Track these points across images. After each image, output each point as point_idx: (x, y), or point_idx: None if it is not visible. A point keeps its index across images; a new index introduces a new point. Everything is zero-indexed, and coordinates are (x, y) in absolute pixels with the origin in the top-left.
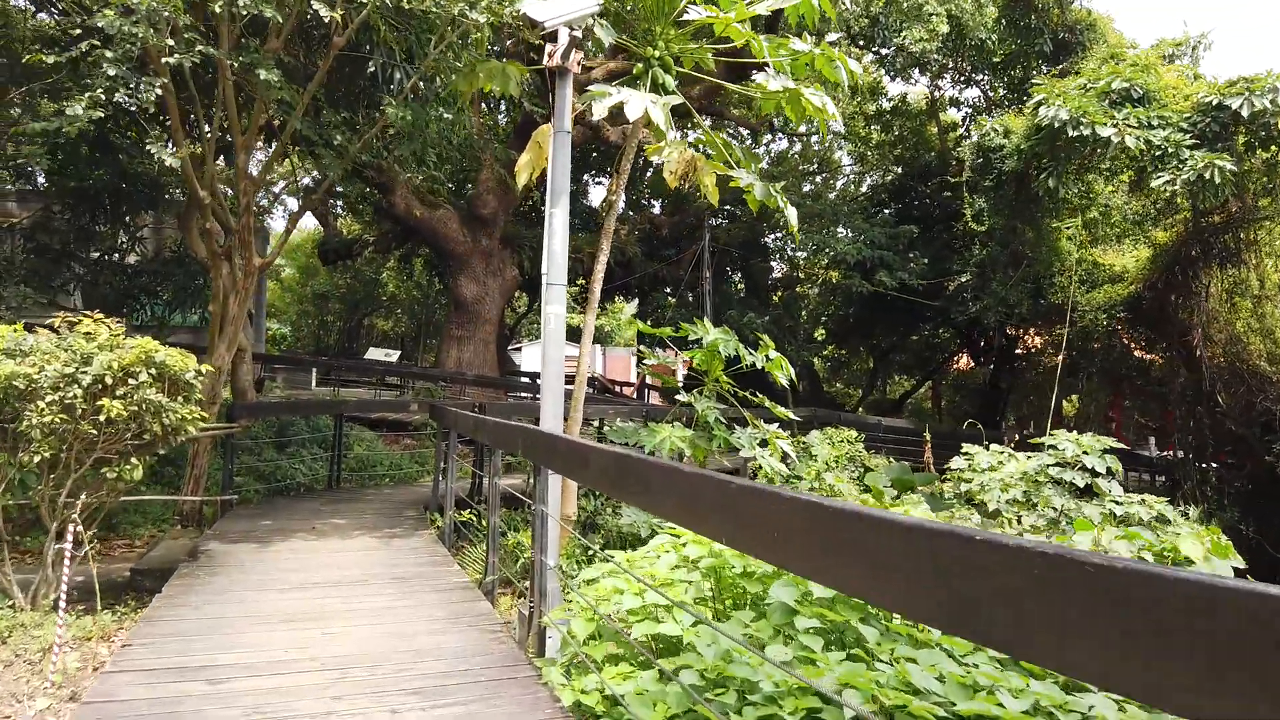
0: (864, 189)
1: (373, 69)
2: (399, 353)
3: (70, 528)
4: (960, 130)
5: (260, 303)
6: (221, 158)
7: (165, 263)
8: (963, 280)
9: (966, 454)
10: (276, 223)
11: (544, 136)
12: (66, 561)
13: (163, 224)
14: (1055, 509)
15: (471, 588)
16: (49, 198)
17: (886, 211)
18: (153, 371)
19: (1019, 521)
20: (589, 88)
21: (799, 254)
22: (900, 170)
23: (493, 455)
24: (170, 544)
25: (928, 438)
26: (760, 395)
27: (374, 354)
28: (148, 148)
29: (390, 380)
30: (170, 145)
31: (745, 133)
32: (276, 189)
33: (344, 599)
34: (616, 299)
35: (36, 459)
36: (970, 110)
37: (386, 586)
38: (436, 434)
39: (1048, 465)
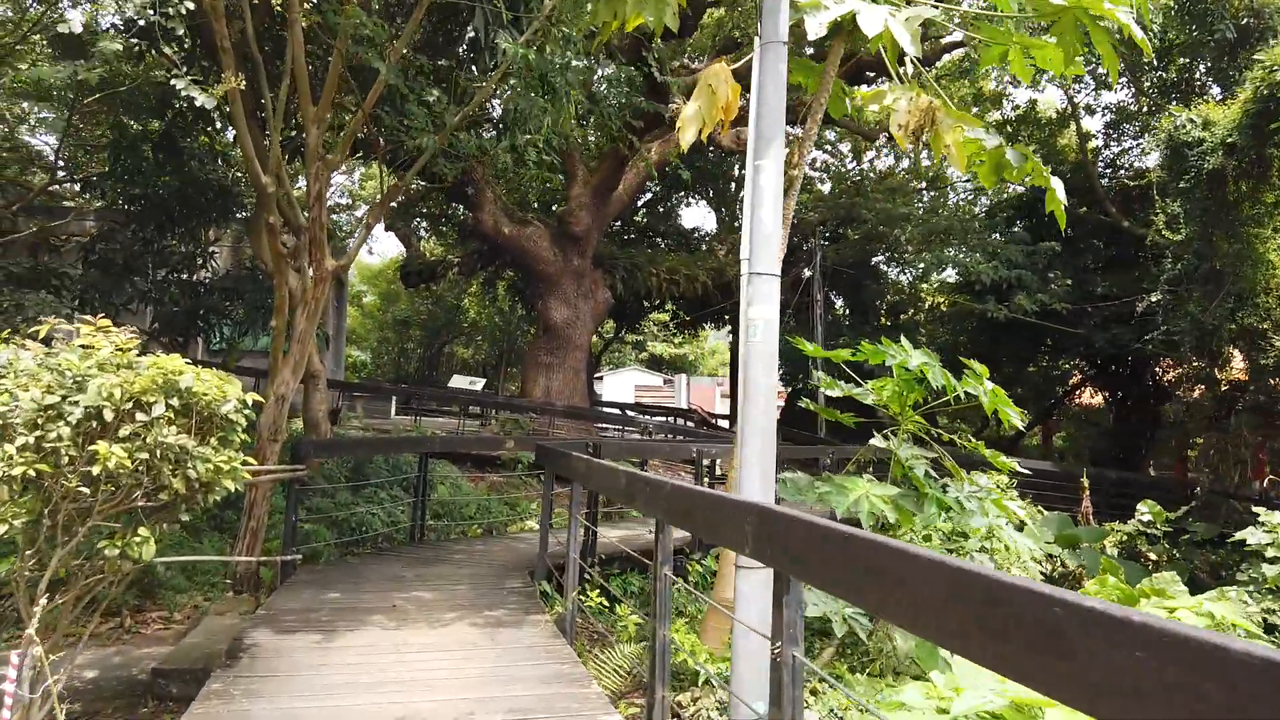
0: (979, 205)
1: (472, 33)
2: (484, 380)
3: (28, 650)
4: (1098, 140)
5: (340, 327)
6: (300, 179)
7: (237, 279)
8: (1153, 300)
9: (1268, 526)
10: (360, 255)
11: (716, 77)
12: (7, 701)
13: (241, 242)
14: None
15: None
16: (113, 208)
17: (1014, 228)
18: (175, 402)
19: None
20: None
21: (906, 275)
22: (1029, 183)
23: (662, 533)
24: (212, 624)
25: (1085, 484)
26: (974, 440)
27: (458, 381)
28: (174, 83)
29: (473, 410)
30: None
31: (845, 149)
32: (359, 212)
33: None
34: (705, 325)
35: (3, 528)
36: (1112, 116)
37: None
38: (543, 477)
39: None
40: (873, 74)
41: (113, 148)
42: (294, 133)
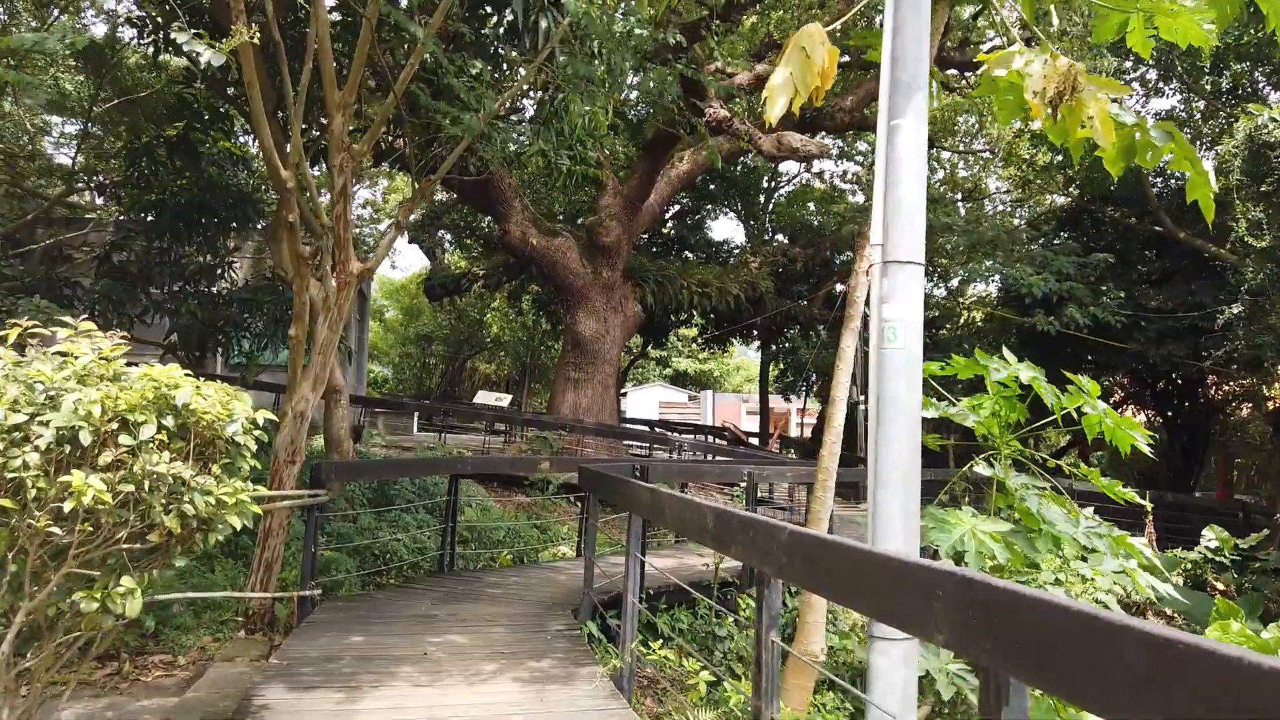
0: (1018, 216)
1: (510, 16)
2: (510, 397)
3: None
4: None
5: (363, 341)
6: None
7: (256, 290)
8: (1234, 312)
9: None
10: (383, 269)
11: (810, 39)
12: None
13: (263, 254)
14: None
15: None
16: (129, 216)
17: (1058, 240)
18: (169, 422)
19: None
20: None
21: (940, 289)
22: (1076, 194)
23: (768, 588)
24: (220, 673)
25: (1149, 507)
26: (1078, 464)
27: (484, 397)
28: (175, 37)
29: (498, 427)
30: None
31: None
32: (383, 225)
33: None
34: (734, 340)
35: None
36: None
37: None
38: (585, 504)
39: None
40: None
41: (128, 153)
42: (316, 133)
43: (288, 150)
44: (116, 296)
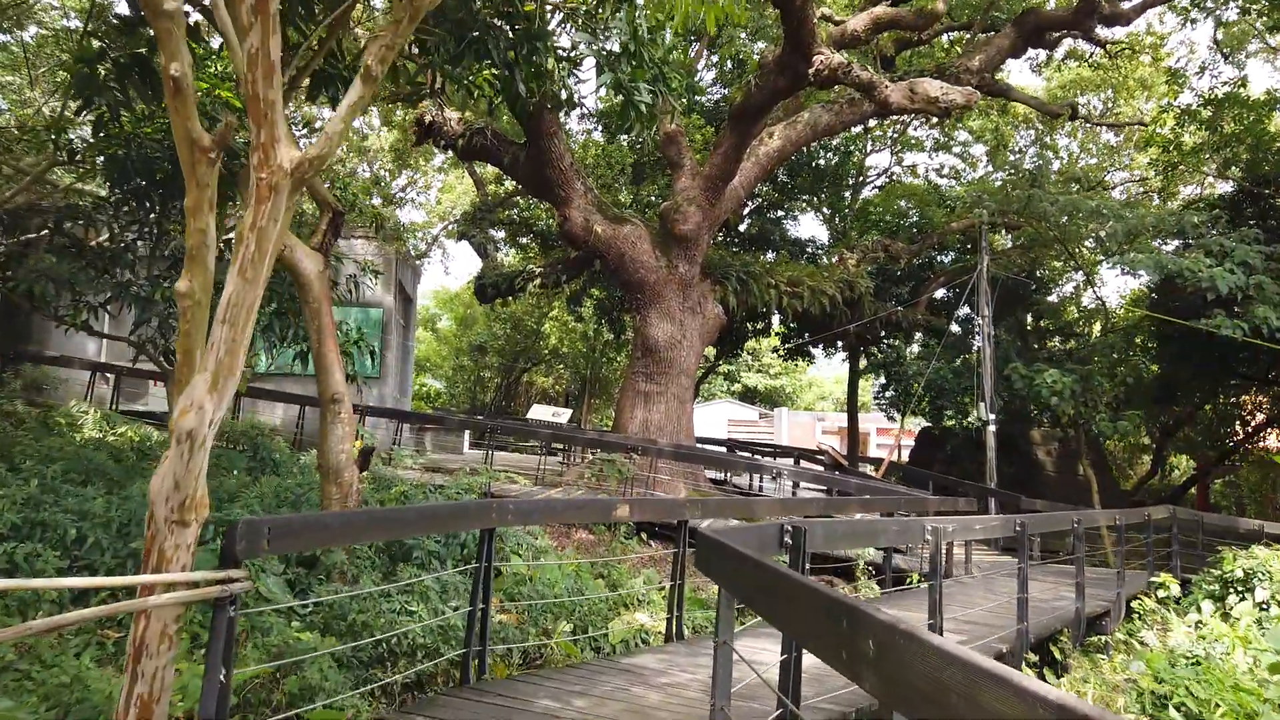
0: (1155, 203)
1: None
2: (569, 412)
3: None
4: None
5: (408, 348)
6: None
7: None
8: None
9: None
10: (434, 269)
11: None
12: None
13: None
14: None
15: None
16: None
17: (1214, 230)
18: None
19: None
20: None
21: (1062, 290)
22: (1239, 176)
23: None
24: None
25: None
26: None
27: (539, 412)
28: None
29: (555, 447)
30: None
31: (976, 150)
32: (436, 229)
33: None
34: (817, 348)
35: None
36: None
37: None
38: (715, 603)
39: None
40: (1057, 34)
41: (78, 81)
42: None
43: None
44: (65, 278)
